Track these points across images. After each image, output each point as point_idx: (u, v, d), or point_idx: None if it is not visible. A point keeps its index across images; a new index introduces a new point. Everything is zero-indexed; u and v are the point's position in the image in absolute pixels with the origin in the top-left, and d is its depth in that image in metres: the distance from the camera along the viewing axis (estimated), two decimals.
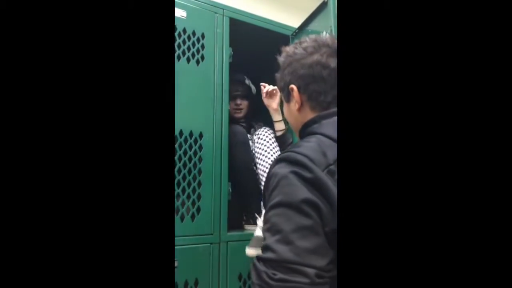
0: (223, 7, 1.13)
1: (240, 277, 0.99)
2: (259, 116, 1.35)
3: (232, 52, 1.13)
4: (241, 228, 1.14)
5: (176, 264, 0.89)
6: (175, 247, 0.90)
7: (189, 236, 0.93)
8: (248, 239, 1.04)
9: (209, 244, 0.96)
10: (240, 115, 1.30)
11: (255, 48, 1.29)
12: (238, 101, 1.29)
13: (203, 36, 1.07)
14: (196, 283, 0.91)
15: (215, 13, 1.12)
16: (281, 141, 1.16)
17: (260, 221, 1.08)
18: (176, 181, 0.94)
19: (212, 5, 1.11)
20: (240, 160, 1.09)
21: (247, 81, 1.33)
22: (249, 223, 1.14)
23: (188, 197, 0.95)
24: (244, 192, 1.12)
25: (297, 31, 1.25)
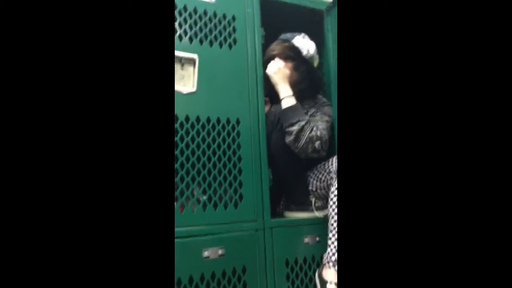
0: None
1: (287, 263, 0.97)
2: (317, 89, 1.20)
3: (264, 33, 1.08)
4: (282, 215, 1.12)
5: (223, 252, 0.89)
6: (220, 235, 0.90)
7: (234, 223, 0.92)
8: (293, 225, 1.02)
9: (254, 231, 0.95)
10: None
11: (288, 26, 1.22)
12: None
13: (233, 18, 1.04)
14: (244, 270, 0.91)
15: None
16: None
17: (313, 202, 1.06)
18: (217, 169, 0.93)
19: None
20: (278, 145, 1.05)
21: (297, 40, 1.11)
22: (289, 210, 1.11)
23: (230, 184, 0.94)
24: (284, 179, 1.09)
25: (331, 5, 1.17)
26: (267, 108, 1.13)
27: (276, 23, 1.18)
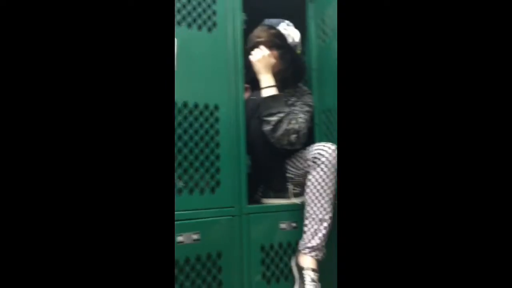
0: None
1: (262, 249, 0.98)
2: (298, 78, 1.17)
3: (246, 18, 1.06)
4: (259, 202, 1.13)
5: (198, 237, 0.88)
6: (197, 220, 0.89)
7: (211, 209, 0.92)
8: (270, 211, 1.02)
9: (230, 217, 0.95)
10: None
11: (270, 12, 1.21)
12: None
13: (214, 1, 1.01)
14: (219, 255, 0.91)
15: None
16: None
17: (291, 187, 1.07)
18: (193, 154, 0.91)
19: None
20: (257, 132, 1.05)
21: (283, 27, 1.09)
22: (267, 196, 1.12)
23: (207, 170, 0.93)
24: (262, 166, 1.09)
25: None
26: (247, 94, 1.12)
27: (258, 8, 1.16)
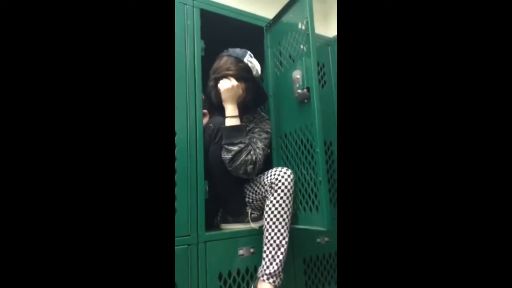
0: None
1: (220, 277, 0.97)
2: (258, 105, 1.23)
3: (204, 45, 1.08)
4: (218, 227, 1.12)
5: None
6: None
7: None
8: (227, 237, 1.02)
9: (186, 246, 0.93)
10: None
11: (228, 40, 1.24)
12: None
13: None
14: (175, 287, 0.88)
15: (185, 4, 1.06)
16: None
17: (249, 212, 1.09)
18: None
19: None
20: (216, 157, 1.05)
21: (248, 59, 1.14)
22: (226, 222, 1.12)
23: None
24: (221, 191, 1.09)
25: (271, 22, 1.22)
26: (205, 120, 1.13)
27: (217, 35, 1.19)
